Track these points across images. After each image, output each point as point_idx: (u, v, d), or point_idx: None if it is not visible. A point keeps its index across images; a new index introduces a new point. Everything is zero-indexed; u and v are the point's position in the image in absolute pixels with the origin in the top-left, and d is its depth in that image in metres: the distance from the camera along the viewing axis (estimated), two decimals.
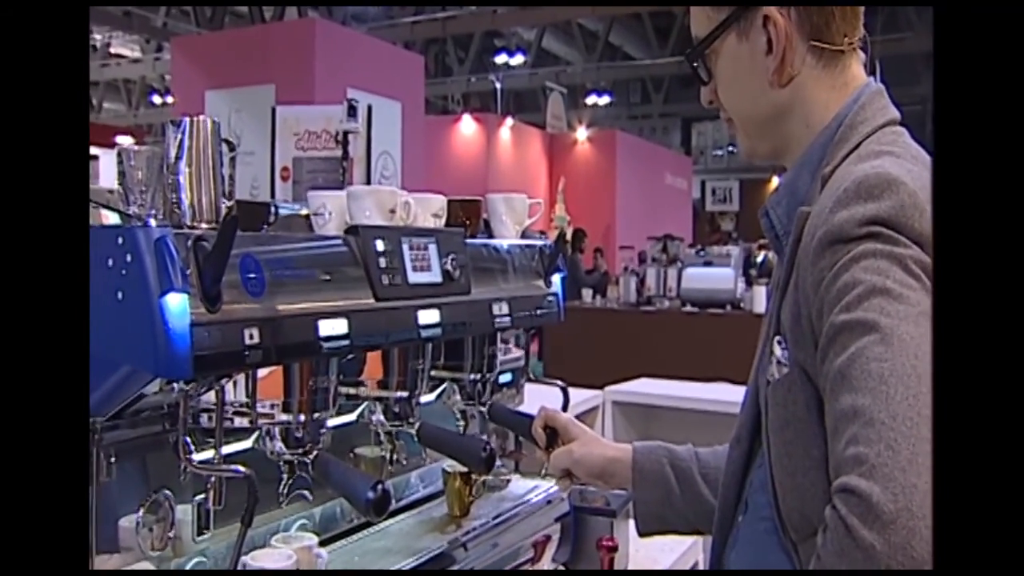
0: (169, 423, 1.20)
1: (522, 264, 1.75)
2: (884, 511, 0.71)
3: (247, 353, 1.08)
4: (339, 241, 1.30)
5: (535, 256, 1.79)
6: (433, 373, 1.65)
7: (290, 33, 8.28)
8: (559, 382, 1.87)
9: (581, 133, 13.74)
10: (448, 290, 1.48)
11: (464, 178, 11.99)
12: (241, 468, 1.12)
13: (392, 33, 12.90)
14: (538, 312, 1.77)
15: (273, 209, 1.51)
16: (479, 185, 12.24)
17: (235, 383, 1.26)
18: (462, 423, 1.69)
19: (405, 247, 1.40)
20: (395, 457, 1.48)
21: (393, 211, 1.46)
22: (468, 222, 1.75)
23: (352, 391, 1.48)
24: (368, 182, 6.98)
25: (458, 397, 1.67)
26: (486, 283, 1.62)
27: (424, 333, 1.41)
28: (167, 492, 1.21)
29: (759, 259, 8.88)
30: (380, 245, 1.34)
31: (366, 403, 1.48)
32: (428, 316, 1.41)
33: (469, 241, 1.60)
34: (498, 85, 14.56)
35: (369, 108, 6.91)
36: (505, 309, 1.63)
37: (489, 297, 1.59)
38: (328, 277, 1.25)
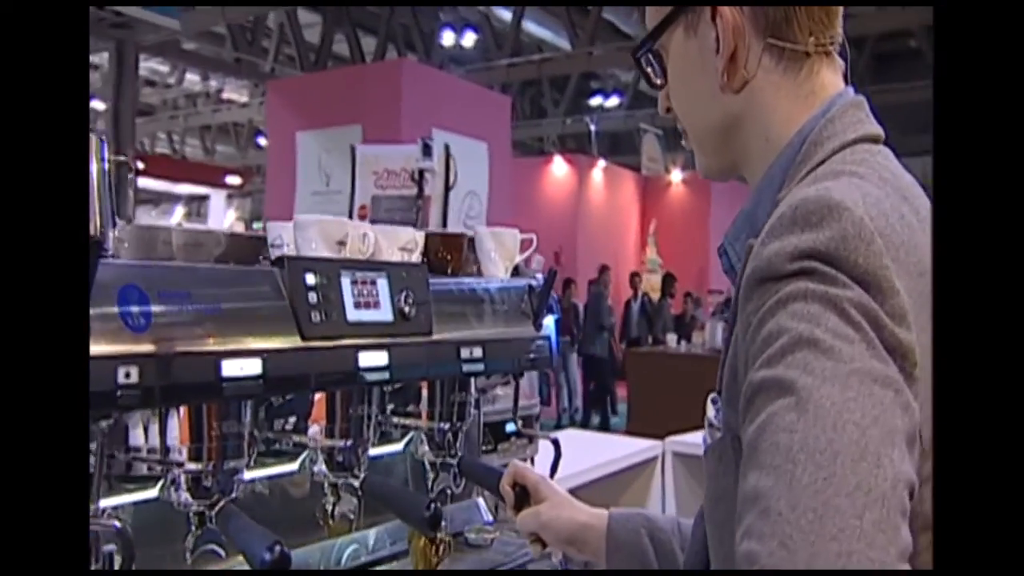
0: None
1: (506, 305, 1.61)
2: None
3: (120, 394, 0.98)
4: (261, 273, 1.20)
5: (523, 296, 1.65)
6: (401, 421, 1.53)
7: (378, 75, 8.43)
8: (551, 435, 1.71)
9: (676, 175, 13.49)
10: (401, 330, 1.35)
11: (554, 219, 11.93)
12: (116, 522, 1.01)
13: (488, 76, 13.00)
14: (524, 357, 1.62)
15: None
16: (568, 226, 12.14)
17: (146, 427, 1.17)
18: (432, 475, 1.55)
19: (346, 281, 1.28)
20: (335, 511, 1.35)
21: (342, 243, 1.35)
22: (450, 258, 1.63)
23: (297, 438, 1.37)
24: (445, 221, 6.98)
25: (426, 447, 1.53)
26: (458, 324, 1.49)
27: (369, 376, 1.29)
28: None
29: None
30: (311, 279, 1.23)
31: (307, 452, 1.36)
32: (373, 358, 1.29)
33: (436, 280, 1.47)
34: (593, 127, 14.49)
35: (447, 147, 6.91)
36: (477, 353, 1.49)
37: (456, 339, 1.46)
38: (244, 312, 1.15)
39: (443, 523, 1.31)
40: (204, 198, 16.65)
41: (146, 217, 18.07)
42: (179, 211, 17.57)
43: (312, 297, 1.22)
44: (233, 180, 15.78)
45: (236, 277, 1.18)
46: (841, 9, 0.87)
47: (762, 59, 0.84)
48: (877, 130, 0.84)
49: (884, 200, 0.72)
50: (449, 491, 1.55)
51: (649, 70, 0.94)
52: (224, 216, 15.96)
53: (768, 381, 0.65)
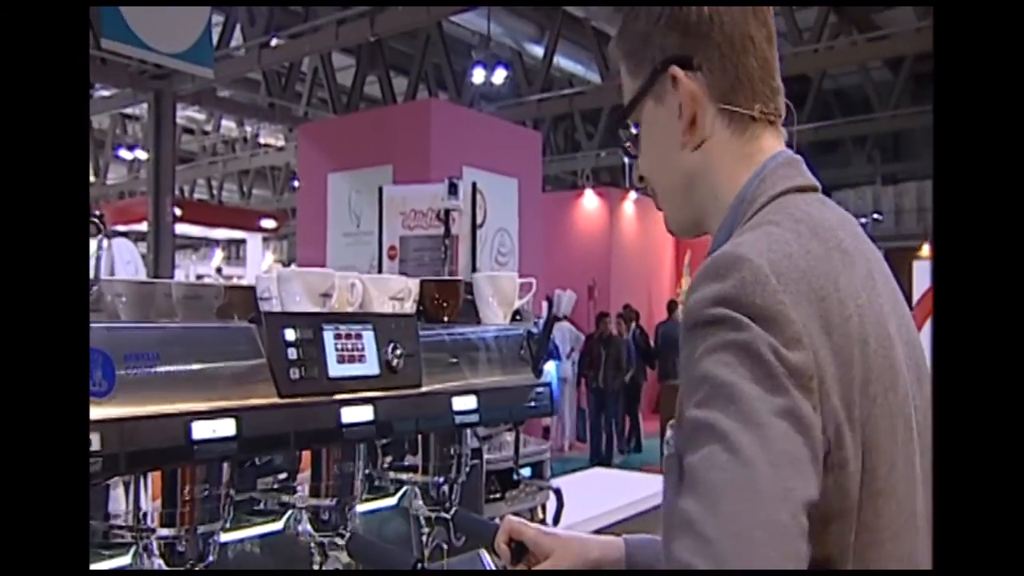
0: None
1: (504, 352, 1.57)
2: None
3: None
4: (238, 330, 1.17)
5: (521, 343, 1.61)
6: (395, 476, 1.49)
7: (407, 115, 8.47)
8: (552, 484, 1.66)
9: None
10: (388, 383, 1.32)
11: (587, 252, 11.87)
12: None
13: (520, 112, 13.05)
14: (523, 406, 1.58)
15: None
16: (602, 259, 12.07)
17: (126, 488, 1.14)
18: (427, 530, 1.50)
19: (328, 336, 1.25)
20: (322, 569, 1.31)
21: (327, 295, 1.32)
22: (446, 304, 1.59)
23: (287, 498, 1.33)
24: (473, 260, 6.97)
25: (420, 502, 1.48)
26: (452, 374, 1.45)
27: (352, 432, 1.25)
28: None
29: None
30: (290, 334, 1.20)
31: (291, 511, 1.32)
32: (357, 413, 1.26)
33: (428, 330, 1.44)
34: (626, 160, 14.46)
35: (474, 185, 6.90)
36: (471, 404, 1.45)
37: (447, 390, 1.42)
38: (219, 372, 1.12)
39: None
40: (241, 242, 16.84)
41: (186, 262, 18.34)
42: (218, 255, 17.81)
43: (291, 353, 1.19)
44: (268, 224, 15.94)
45: (211, 336, 1.16)
46: (781, 86, 1.01)
47: (716, 121, 0.98)
48: (806, 182, 0.96)
49: (792, 241, 0.86)
50: (445, 546, 1.50)
51: (628, 144, 1.08)
52: (262, 259, 16.14)
53: (701, 423, 0.78)
